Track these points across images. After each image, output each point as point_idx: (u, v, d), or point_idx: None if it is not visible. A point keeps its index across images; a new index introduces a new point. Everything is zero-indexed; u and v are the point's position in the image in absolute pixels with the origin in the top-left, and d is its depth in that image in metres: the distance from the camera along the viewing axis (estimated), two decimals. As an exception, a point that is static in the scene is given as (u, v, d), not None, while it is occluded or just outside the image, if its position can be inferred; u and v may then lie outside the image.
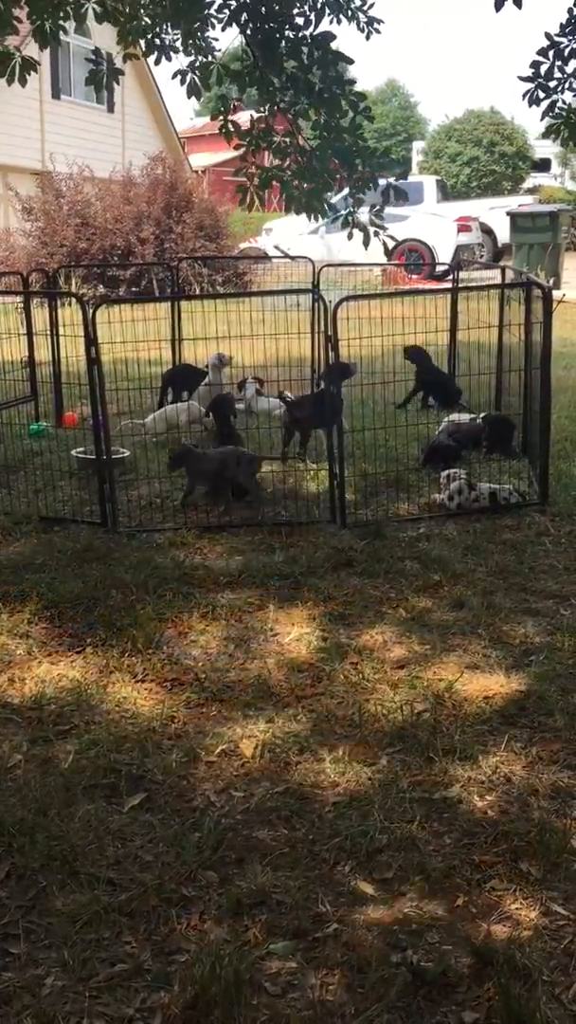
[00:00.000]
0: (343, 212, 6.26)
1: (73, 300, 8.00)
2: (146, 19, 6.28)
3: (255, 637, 4.48)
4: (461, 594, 4.88)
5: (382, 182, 6.10)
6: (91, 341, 5.86)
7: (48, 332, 8.89)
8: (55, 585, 5.01)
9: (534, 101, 5.82)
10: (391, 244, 6.30)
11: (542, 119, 6.03)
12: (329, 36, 5.88)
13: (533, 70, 5.73)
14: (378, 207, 6.07)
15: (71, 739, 3.65)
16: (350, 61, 6.17)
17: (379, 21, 6.47)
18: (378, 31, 6.55)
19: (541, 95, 5.78)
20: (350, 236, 6.25)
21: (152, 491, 6.64)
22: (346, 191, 6.27)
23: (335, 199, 6.44)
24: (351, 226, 6.19)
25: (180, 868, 2.94)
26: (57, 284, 12.43)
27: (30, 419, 8.65)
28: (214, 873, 2.94)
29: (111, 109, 26.75)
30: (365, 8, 6.38)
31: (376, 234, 6.13)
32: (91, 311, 5.89)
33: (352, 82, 6.09)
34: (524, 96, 5.84)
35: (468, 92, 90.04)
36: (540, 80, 5.74)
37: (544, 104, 5.84)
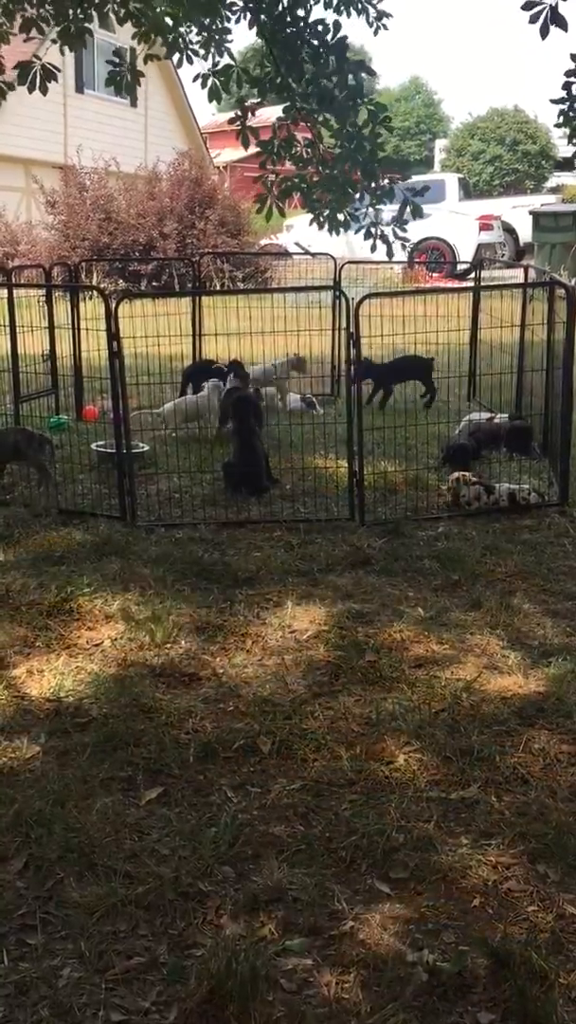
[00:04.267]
0: (364, 223, 6.20)
1: (94, 293, 8.02)
2: (168, 20, 6.26)
3: (273, 634, 4.48)
4: (480, 594, 4.86)
5: (399, 194, 6.05)
6: (113, 335, 5.88)
7: (69, 325, 8.93)
8: (74, 578, 5.03)
9: (567, 123, 5.77)
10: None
11: (569, 141, 5.95)
12: (343, 43, 5.85)
13: (565, 91, 5.68)
14: (401, 218, 6.02)
15: (89, 732, 3.66)
16: (372, 73, 6.13)
17: (387, 15, 6.45)
18: (386, 27, 6.53)
19: (572, 115, 5.74)
20: (373, 248, 6.20)
21: (171, 486, 6.66)
22: (367, 201, 6.21)
23: (358, 211, 6.35)
24: (373, 237, 6.14)
25: (196, 863, 2.95)
26: (79, 278, 12.46)
27: (50, 412, 8.68)
28: (230, 868, 2.94)
29: (134, 104, 26.62)
30: (374, 2, 6.36)
31: (403, 247, 6.10)
32: (114, 305, 5.90)
33: (361, 89, 6.01)
34: (559, 117, 5.80)
35: (492, 90, 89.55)
36: (572, 102, 5.70)
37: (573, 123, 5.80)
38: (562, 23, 5.23)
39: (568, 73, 5.61)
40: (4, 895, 2.83)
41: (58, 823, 3.09)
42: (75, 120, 24.54)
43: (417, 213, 6.05)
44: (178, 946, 2.64)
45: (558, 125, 5.79)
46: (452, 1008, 2.45)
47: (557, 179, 35.29)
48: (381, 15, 6.45)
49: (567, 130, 5.87)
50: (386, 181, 5.98)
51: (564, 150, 35.96)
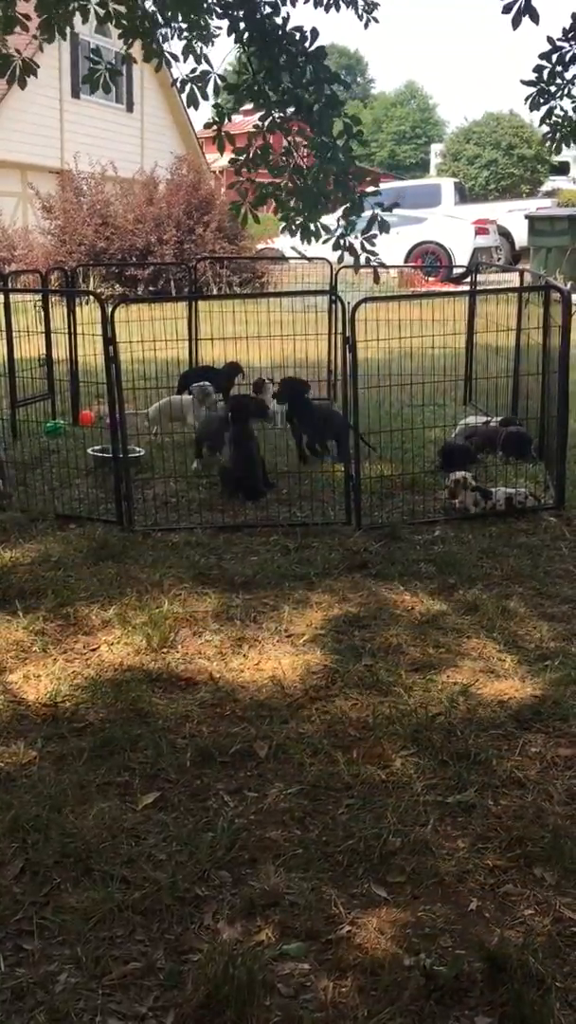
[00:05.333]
0: (335, 233, 6.15)
1: (91, 298, 8.03)
2: (147, 22, 6.22)
3: (269, 638, 4.48)
4: (476, 598, 4.87)
5: (368, 212, 6.02)
6: (109, 340, 5.88)
7: (66, 330, 8.93)
8: (71, 583, 5.03)
9: (535, 106, 5.81)
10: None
11: (540, 124, 6.00)
12: (321, 52, 5.84)
13: (536, 74, 5.72)
14: (369, 231, 6.00)
15: (86, 737, 3.66)
16: (347, 85, 6.14)
17: (376, 6, 6.44)
18: (376, 20, 6.52)
19: (541, 100, 5.77)
20: (340, 259, 6.18)
21: (168, 490, 6.66)
22: (339, 213, 6.17)
23: (329, 220, 6.31)
24: (343, 248, 6.13)
25: (193, 867, 2.95)
26: (76, 282, 12.47)
27: (47, 417, 8.68)
28: (227, 873, 2.94)
29: (130, 108, 26.81)
30: None
31: (368, 261, 6.07)
32: (110, 310, 5.91)
33: (342, 102, 6.00)
34: (526, 100, 5.83)
35: (487, 95, 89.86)
36: (542, 84, 5.73)
37: (543, 109, 5.83)
38: (534, 16, 5.27)
39: (542, 55, 5.63)
40: (1, 900, 2.83)
41: (55, 828, 3.09)
42: (71, 125, 24.57)
43: (384, 229, 5.99)
44: (175, 951, 2.64)
45: (527, 101, 5.76)
46: (449, 1012, 2.45)
47: (552, 183, 35.38)
48: (371, 7, 6.44)
49: (540, 111, 5.87)
50: (357, 194, 5.96)
51: (559, 155, 36.04)
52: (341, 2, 6.37)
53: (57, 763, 3.49)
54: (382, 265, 6.14)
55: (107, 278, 18.54)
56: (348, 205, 5.96)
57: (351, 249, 6.01)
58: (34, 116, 22.92)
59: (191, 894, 2.84)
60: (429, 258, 22.05)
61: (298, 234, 6.15)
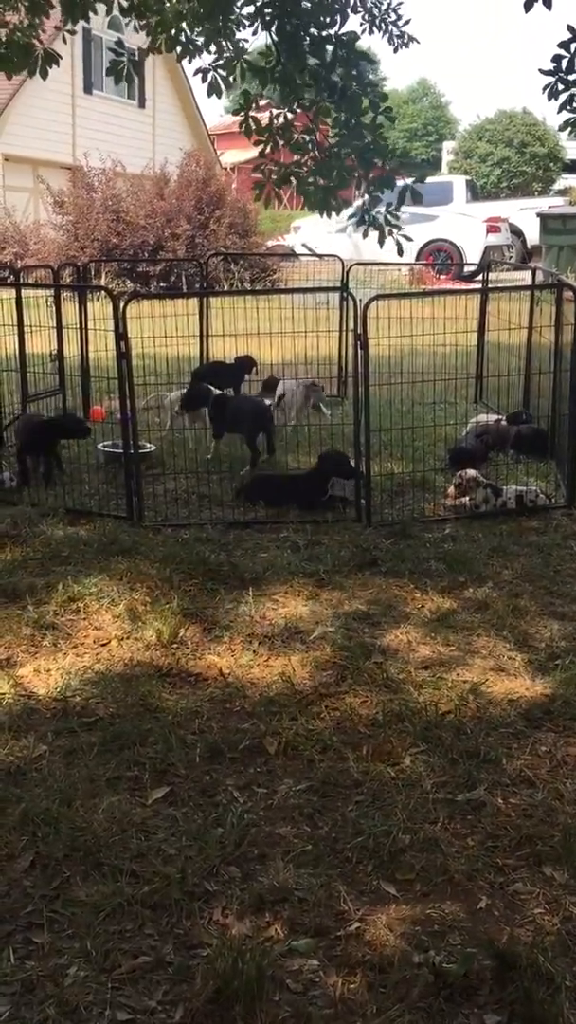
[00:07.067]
0: (360, 211, 6.14)
1: (103, 293, 8.03)
2: (171, 15, 6.20)
3: (279, 634, 4.48)
4: (486, 596, 4.86)
5: (400, 183, 6.01)
6: (121, 335, 5.89)
7: (77, 326, 8.94)
8: (80, 578, 5.03)
9: (553, 95, 5.75)
10: (405, 244, 6.11)
11: (559, 112, 5.92)
12: (353, 36, 5.81)
13: (555, 64, 5.66)
14: (394, 206, 5.97)
15: (96, 731, 3.66)
16: (373, 62, 6.14)
17: (414, 40, 6.45)
18: (406, 46, 6.53)
19: (560, 87, 5.71)
20: (365, 234, 6.15)
21: (178, 486, 6.66)
22: (363, 189, 6.15)
23: (356, 202, 6.31)
24: (367, 224, 6.11)
25: (203, 862, 2.95)
26: (88, 278, 12.48)
27: (57, 412, 8.68)
28: (236, 868, 2.94)
29: (142, 104, 26.84)
30: (400, 24, 6.36)
31: (391, 233, 6.05)
32: (122, 305, 5.91)
33: (374, 84, 6.01)
34: (544, 89, 5.77)
35: (500, 92, 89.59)
36: (560, 74, 5.67)
37: (562, 98, 5.76)
38: (547, 1, 5.24)
39: (561, 44, 5.58)
40: (11, 893, 2.84)
41: (65, 822, 3.10)
42: (83, 120, 24.62)
43: (417, 199, 5.97)
44: (184, 945, 2.65)
45: (545, 90, 5.71)
46: (458, 1010, 2.44)
47: (565, 181, 35.23)
48: (408, 39, 6.46)
49: (559, 100, 5.81)
50: (385, 168, 5.92)
51: (572, 152, 35.89)
52: (373, 27, 6.38)
53: (67, 757, 3.50)
54: (406, 238, 6.10)
55: (118, 274, 18.55)
56: (375, 181, 5.94)
57: (375, 223, 6.00)
58: (46, 112, 22.98)
59: (200, 889, 2.85)
60: (441, 256, 22.02)
61: (318, 209, 6.12)
